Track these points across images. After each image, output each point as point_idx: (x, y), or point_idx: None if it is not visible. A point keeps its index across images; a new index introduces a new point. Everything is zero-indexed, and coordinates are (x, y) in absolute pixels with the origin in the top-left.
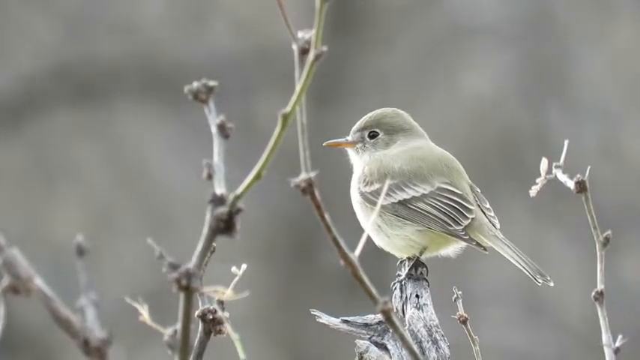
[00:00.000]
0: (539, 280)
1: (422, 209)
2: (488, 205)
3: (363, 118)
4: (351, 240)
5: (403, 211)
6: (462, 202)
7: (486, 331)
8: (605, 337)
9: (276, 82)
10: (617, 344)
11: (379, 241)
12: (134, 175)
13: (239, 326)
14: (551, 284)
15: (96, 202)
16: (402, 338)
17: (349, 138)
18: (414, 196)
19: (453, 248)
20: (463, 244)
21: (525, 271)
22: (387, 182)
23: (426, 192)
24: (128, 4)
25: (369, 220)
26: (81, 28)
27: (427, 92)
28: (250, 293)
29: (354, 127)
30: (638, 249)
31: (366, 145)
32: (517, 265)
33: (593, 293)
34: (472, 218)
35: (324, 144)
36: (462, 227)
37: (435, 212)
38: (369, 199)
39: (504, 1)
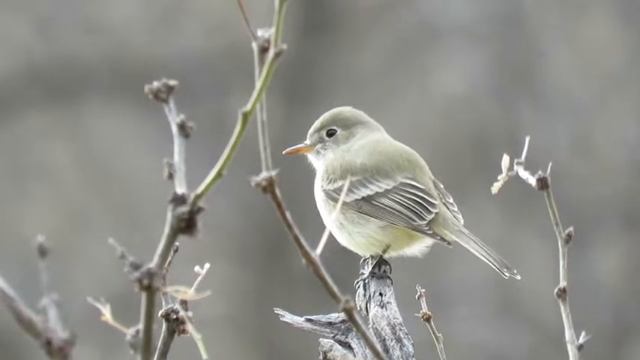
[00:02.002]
0: (506, 274)
1: (385, 205)
2: (451, 200)
3: (318, 119)
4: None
5: (367, 207)
6: (425, 196)
7: (459, 329)
8: (569, 334)
9: (248, 81)
10: (581, 341)
11: (341, 239)
12: (105, 174)
13: (213, 326)
14: (518, 277)
15: (67, 202)
16: (365, 336)
17: (307, 142)
18: (377, 192)
19: (417, 247)
20: (428, 242)
21: (492, 265)
22: (349, 180)
23: (389, 187)
24: (99, 4)
25: (331, 218)
26: (51, 28)
27: (399, 92)
28: (224, 293)
29: (311, 130)
30: (609, 244)
31: (327, 144)
32: (483, 258)
33: (556, 290)
34: (436, 213)
35: (283, 152)
36: (425, 222)
37: (398, 208)
38: (332, 197)
39: (475, 1)
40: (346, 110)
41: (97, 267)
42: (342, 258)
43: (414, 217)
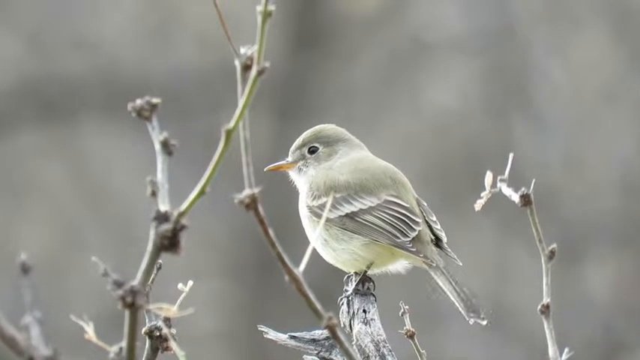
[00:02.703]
0: (472, 320)
1: (369, 222)
2: (434, 218)
3: (300, 136)
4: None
5: (350, 224)
6: (408, 214)
7: (451, 344)
8: (552, 350)
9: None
10: (564, 357)
11: (326, 256)
12: (99, 191)
13: (207, 341)
14: (484, 323)
15: (62, 219)
16: (347, 353)
17: (289, 159)
18: (361, 209)
19: (401, 264)
20: (411, 259)
21: (458, 305)
22: (332, 196)
23: (373, 205)
24: (91, 20)
25: (314, 234)
26: (44, 45)
27: (391, 106)
28: (218, 308)
29: (292, 147)
30: (602, 260)
31: (308, 161)
32: (451, 297)
33: (539, 306)
34: (419, 231)
35: (265, 169)
36: (409, 239)
37: (382, 224)
38: (317, 213)
39: (467, 15)
40: (328, 127)
41: (92, 284)
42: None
43: (398, 235)
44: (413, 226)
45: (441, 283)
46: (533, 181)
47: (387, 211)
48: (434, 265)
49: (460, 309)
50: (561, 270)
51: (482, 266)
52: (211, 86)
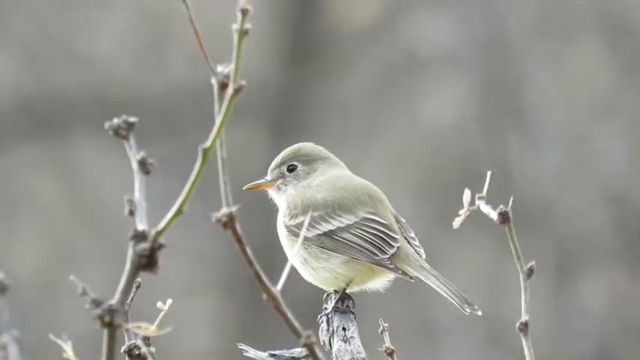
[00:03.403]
0: (467, 310)
1: (347, 240)
2: (413, 235)
3: (279, 155)
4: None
5: (328, 242)
6: (386, 231)
7: (447, 359)
8: None
9: (237, 114)
10: None
11: (305, 275)
12: (93, 207)
13: (202, 358)
14: (479, 313)
15: (55, 235)
16: None
17: (268, 177)
18: (339, 227)
19: (380, 281)
20: (390, 276)
21: (452, 301)
22: (309, 214)
23: (350, 222)
24: (85, 37)
25: (296, 253)
26: (38, 61)
27: (386, 120)
28: (213, 324)
29: (271, 166)
30: (597, 274)
31: (287, 180)
32: (444, 294)
33: (518, 324)
34: (397, 247)
35: (243, 188)
36: (387, 256)
37: (360, 242)
38: (295, 232)
39: (461, 28)
40: (307, 146)
41: (84, 300)
42: None
43: (376, 252)
44: (391, 242)
45: (431, 284)
46: (511, 198)
47: (364, 228)
48: (412, 281)
49: (454, 302)
50: (556, 284)
51: (478, 282)
52: (203, 102)
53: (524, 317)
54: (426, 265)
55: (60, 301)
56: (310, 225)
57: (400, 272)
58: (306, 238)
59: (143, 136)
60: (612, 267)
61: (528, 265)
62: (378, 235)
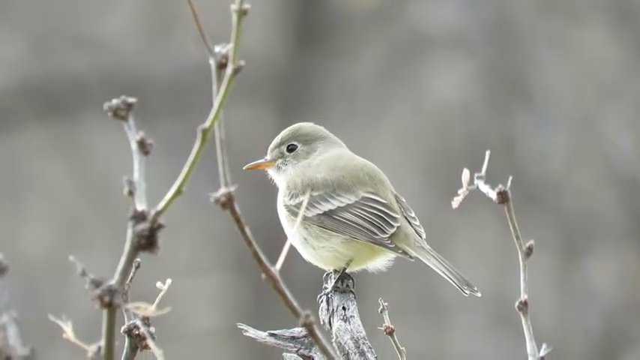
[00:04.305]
0: (466, 291)
1: (347, 219)
2: (413, 214)
3: (279, 134)
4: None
5: (329, 222)
6: (386, 210)
7: (456, 339)
8: (530, 347)
9: (243, 93)
10: (542, 354)
11: (306, 254)
12: (101, 188)
13: (208, 339)
14: (479, 295)
15: (64, 217)
16: (325, 351)
17: (268, 157)
18: (339, 207)
19: (380, 260)
20: (391, 255)
21: (452, 282)
22: (308, 194)
23: (350, 202)
24: (93, 18)
25: (296, 233)
26: (46, 43)
27: (393, 100)
28: (220, 304)
29: (271, 146)
30: (606, 254)
31: (287, 160)
32: (443, 275)
33: (517, 303)
34: (397, 227)
35: (244, 167)
36: (387, 236)
37: (360, 222)
38: (295, 212)
39: (468, 9)
40: (306, 126)
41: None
42: None
43: (376, 231)
44: (391, 222)
45: (431, 265)
46: (510, 178)
47: (364, 208)
48: (412, 260)
49: (454, 284)
50: (563, 264)
51: (485, 261)
52: (211, 82)
53: (524, 296)
54: (426, 246)
55: (68, 282)
56: (310, 205)
57: (400, 252)
58: (306, 218)
59: (152, 116)
60: (619, 246)
61: (527, 244)
62: (378, 215)
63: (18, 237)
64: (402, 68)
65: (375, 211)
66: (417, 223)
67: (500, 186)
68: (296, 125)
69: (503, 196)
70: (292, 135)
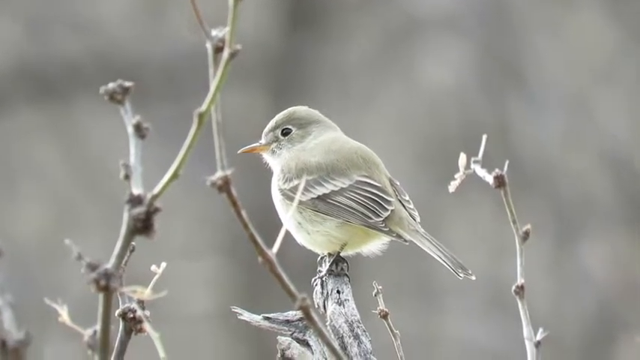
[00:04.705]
0: (461, 274)
1: (341, 203)
2: (407, 198)
3: (273, 118)
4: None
5: (323, 206)
6: (380, 194)
7: (450, 323)
8: (527, 331)
9: (238, 78)
10: (538, 338)
11: (300, 239)
12: (96, 172)
13: (203, 322)
14: (473, 278)
15: (58, 200)
16: (321, 334)
17: (262, 141)
18: (332, 191)
19: (375, 244)
20: (385, 239)
21: (446, 265)
22: (304, 178)
23: (344, 186)
24: (88, 1)
25: (290, 217)
26: (41, 26)
27: (386, 84)
28: (214, 287)
29: (266, 129)
30: (600, 238)
31: (282, 143)
32: (438, 259)
33: (514, 288)
34: (392, 210)
35: (238, 151)
36: (381, 219)
37: (354, 205)
38: (289, 196)
39: None
40: (301, 109)
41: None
42: None
43: (370, 215)
44: (385, 205)
45: (425, 248)
46: (507, 162)
47: (358, 191)
48: (407, 243)
49: (448, 267)
50: (558, 248)
51: (480, 245)
52: (207, 66)
53: (520, 280)
54: (421, 229)
55: (63, 265)
56: (304, 188)
57: (394, 235)
58: (300, 202)
59: (147, 100)
60: (613, 230)
61: (524, 229)
62: (372, 199)
63: (12, 220)
64: (396, 52)
65: (369, 195)
66: (412, 206)
67: (497, 170)
68: (291, 109)
69: (500, 180)
70: (287, 119)
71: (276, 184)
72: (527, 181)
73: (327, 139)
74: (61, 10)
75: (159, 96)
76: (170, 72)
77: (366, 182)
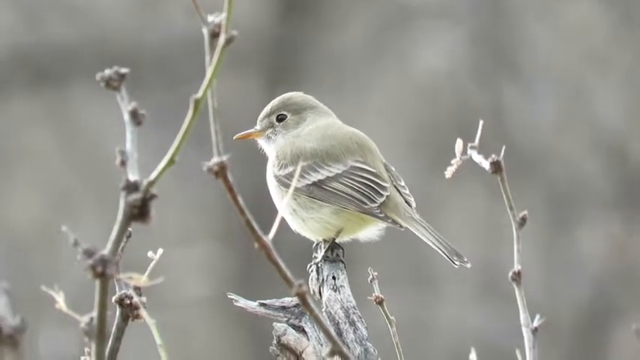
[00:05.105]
0: (456, 262)
1: (336, 189)
2: (403, 183)
3: (268, 104)
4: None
5: (318, 192)
6: (375, 179)
7: (445, 309)
8: (523, 317)
9: (232, 65)
10: (535, 324)
11: (294, 225)
12: (91, 159)
13: (198, 308)
14: (468, 265)
15: (53, 187)
16: (318, 320)
17: (257, 127)
18: (327, 177)
19: (371, 230)
20: (381, 225)
21: (441, 253)
22: (300, 165)
23: (339, 172)
24: None
25: (282, 203)
26: (35, 12)
27: (380, 71)
28: (209, 274)
29: (261, 115)
30: (593, 223)
31: (277, 129)
32: (432, 246)
33: (510, 274)
34: (387, 196)
35: (234, 137)
36: (376, 205)
37: (349, 191)
38: (284, 183)
39: None
40: (296, 95)
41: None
42: None
43: (365, 200)
44: (380, 191)
45: (420, 235)
46: (503, 147)
47: (353, 177)
48: (402, 229)
49: (443, 255)
50: (551, 232)
51: (474, 231)
52: (203, 52)
53: (517, 267)
54: (416, 216)
55: (59, 252)
56: (300, 175)
57: (390, 221)
58: (295, 189)
59: (143, 87)
60: (607, 215)
61: (521, 215)
62: (367, 184)
63: (8, 207)
64: (390, 38)
65: (364, 180)
66: (407, 192)
67: (493, 156)
68: (286, 95)
69: (496, 166)
70: (282, 104)
71: (271, 171)
72: (521, 166)
73: (321, 125)
74: None
75: (155, 82)
76: (166, 58)
77: (360, 168)
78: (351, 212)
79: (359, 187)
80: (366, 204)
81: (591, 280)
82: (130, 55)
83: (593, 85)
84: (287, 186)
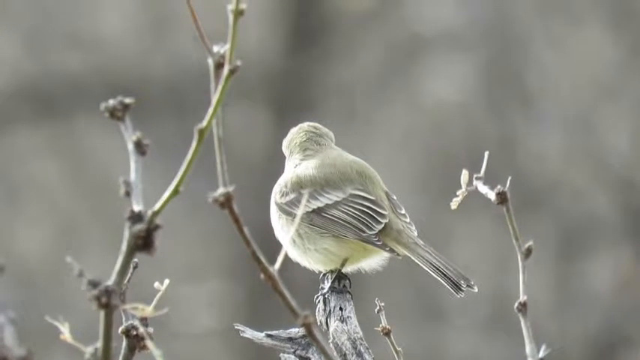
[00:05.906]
0: (463, 287)
1: (335, 216)
2: (403, 211)
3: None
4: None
5: (318, 220)
6: (374, 207)
7: (454, 340)
8: (529, 348)
9: (241, 94)
10: (541, 355)
11: (295, 255)
12: (98, 190)
13: (205, 340)
14: (475, 289)
15: (60, 218)
16: (324, 352)
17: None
18: (327, 204)
19: (374, 259)
20: (386, 255)
21: (444, 283)
22: (307, 192)
23: (338, 199)
24: (89, 17)
25: (287, 232)
26: (41, 42)
27: (389, 101)
28: (216, 307)
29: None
30: (604, 254)
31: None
32: (433, 274)
33: (516, 305)
34: (385, 223)
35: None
36: (374, 232)
37: (347, 219)
38: (285, 210)
39: (464, 8)
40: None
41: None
42: None
43: (363, 228)
44: (378, 218)
45: (421, 263)
46: (509, 178)
47: (352, 205)
48: (400, 257)
49: (446, 285)
50: (561, 265)
51: (484, 261)
52: (209, 82)
53: (523, 297)
54: (420, 242)
55: (65, 283)
56: (299, 202)
57: (387, 249)
58: (295, 217)
59: (148, 116)
60: (617, 247)
61: (526, 245)
62: (365, 212)
63: (15, 238)
64: (399, 68)
65: (362, 208)
66: (407, 220)
67: (499, 186)
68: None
69: (502, 197)
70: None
71: (273, 199)
72: (531, 196)
73: (322, 153)
74: (62, 26)
75: (161, 112)
76: (172, 88)
77: (359, 195)
78: (352, 241)
79: (357, 215)
80: (364, 231)
81: (600, 312)
82: (136, 84)
83: (603, 115)
84: (286, 213)
